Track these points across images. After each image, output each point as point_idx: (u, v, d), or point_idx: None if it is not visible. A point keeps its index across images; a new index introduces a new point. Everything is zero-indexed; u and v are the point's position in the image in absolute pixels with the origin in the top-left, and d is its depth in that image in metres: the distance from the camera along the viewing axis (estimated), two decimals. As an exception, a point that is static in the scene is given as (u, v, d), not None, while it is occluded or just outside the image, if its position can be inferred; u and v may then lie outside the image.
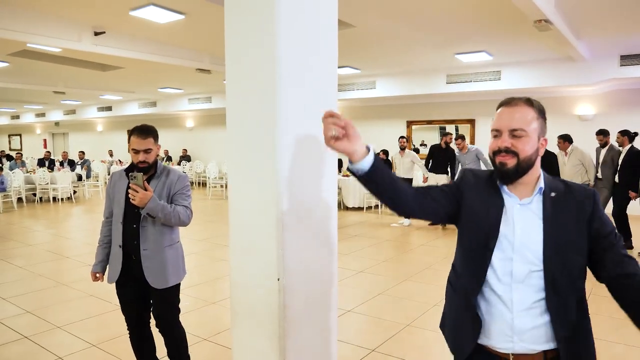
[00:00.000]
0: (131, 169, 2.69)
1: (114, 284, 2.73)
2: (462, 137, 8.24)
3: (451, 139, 8.63)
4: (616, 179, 6.65)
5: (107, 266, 2.75)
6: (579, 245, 1.41)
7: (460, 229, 1.56)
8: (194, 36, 7.80)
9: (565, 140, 7.08)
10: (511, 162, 1.41)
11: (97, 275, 2.76)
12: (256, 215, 1.98)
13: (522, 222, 1.43)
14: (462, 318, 1.53)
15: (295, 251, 1.96)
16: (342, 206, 11.01)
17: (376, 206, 10.85)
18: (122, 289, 2.72)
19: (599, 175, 6.89)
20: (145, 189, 2.49)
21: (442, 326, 1.70)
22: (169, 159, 17.27)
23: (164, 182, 2.67)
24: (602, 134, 6.93)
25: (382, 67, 10.68)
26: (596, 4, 5.88)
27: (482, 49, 8.59)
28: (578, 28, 7.05)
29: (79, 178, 13.25)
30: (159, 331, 2.79)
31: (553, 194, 1.45)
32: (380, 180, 1.43)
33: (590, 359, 1.47)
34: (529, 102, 1.45)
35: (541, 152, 1.47)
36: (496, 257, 1.44)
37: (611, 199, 6.80)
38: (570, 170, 6.96)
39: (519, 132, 1.40)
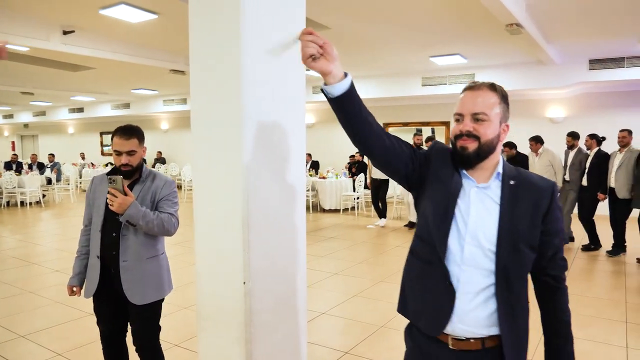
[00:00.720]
0: (114, 172, 2.46)
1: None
2: (432, 139, 8.34)
3: (420, 139, 8.73)
4: (584, 182, 6.79)
5: (85, 279, 2.52)
6: (531, 238, 1.41)
7: (424, 195, 1.52)
8: (168, 36, 7.69)
9: (537, 142, 7.21)
10: (472, 145, 1.41)
11: (74, 289, 2.51)
12: (221, 217, 1.93)
13: (478, 205, 1.42)
14: (435, 288, 1.45)
15: (261, 254, 1.92)
16: (318, 208, 10.99)
17: (352, 208, 10.86)
18: (99, 303, 2.49)
19: (567, 177, 7.03)
20: (125, 194, 2.28)
21: (404, 309, 1.59)
22: (143, 161, 16.96)
23: (148, 187, 2.47)
24: (572, 136, 7.07)
25: (357, 69, 10.71)
26: (566, 9, 6.01)
27: (457, 51, 8.70)
28: (548, 32, 7.20)
29: (49, 181, 12.91)
30: (136, 350, 2.52)
31: (512, 182, 1.44)
32: (349, 108, 1.40)
33: (524, 350, 1.48)
34: (492, 87, 1.45)
35: (503, 138, 1.46)
36: (450, 235, 1.42)
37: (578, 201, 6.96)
38: (540, 171, 7.08)
39: (481, 115, 1.40)
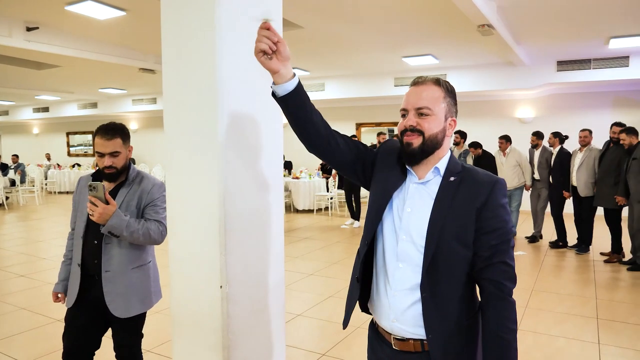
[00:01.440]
0: (98, 175, 2.28)
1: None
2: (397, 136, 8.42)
3: (383, 139, 8.78)
4: (551, 180, 6.96)
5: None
6: (463, 234, 1.34)
7: (369, 192, 1.55)
8: (137, 34, 7.50)
9: (507, 141, 7.36)
10: (417, 141, 1.38)
11: (59, 295, 2.35)
12: (197, 219, 1.86)
13: (414, 200, 1.41)
14: (353, 282, 1.54)
15: (239, 257, 1.86)
16: (292, 209, 10.93)
17: (326, 208, 10.84)
18: (76, 312, 2.26)
19: (536, 176, 7.18)
20: (107, 202, 2.08)
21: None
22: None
23: (134, 191, 2.26)
24: (536, 135, 7.25)
25: (331, 69, 10.70)
26: (535, 12, 6.13)
27: (428, 52, 8.78)
28: (518, 34, 7.34)
29: (12, 183, 12.45)
30: (116, 356, 2.37)
31: (452, 178, 1.40)
32: (294, 109, 1.41)
33: (462, 356, 1.38)
34: (437, 81, 1.42)
35: (449, 133, 1.43)
36: (387, 231, 1.43)
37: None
38: (508, 170, 7.23)
39: (425, 110, 1.38)
